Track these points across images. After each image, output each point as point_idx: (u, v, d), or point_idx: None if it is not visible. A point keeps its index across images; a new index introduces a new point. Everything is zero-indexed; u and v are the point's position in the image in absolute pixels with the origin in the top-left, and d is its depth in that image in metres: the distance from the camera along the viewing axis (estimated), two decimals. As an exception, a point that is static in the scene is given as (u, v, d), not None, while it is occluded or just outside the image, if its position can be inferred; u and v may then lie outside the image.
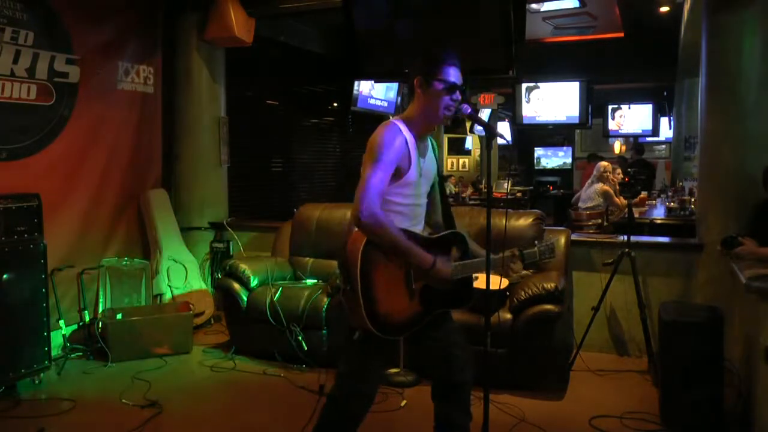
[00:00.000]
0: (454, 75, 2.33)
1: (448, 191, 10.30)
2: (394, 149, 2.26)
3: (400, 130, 2.31)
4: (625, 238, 4.20)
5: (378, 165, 2.22)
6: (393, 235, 2.21)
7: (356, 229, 2.26)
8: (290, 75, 7.35)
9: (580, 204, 7.18)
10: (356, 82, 7.29)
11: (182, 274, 5.25)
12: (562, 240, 4.29)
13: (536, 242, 2.62)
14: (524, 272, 4.13)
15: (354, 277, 2.22)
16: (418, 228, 2.43)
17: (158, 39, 5.46)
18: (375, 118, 7.73)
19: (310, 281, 4.71)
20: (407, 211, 2.37)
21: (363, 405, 2.45)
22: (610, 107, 10.85)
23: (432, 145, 2.50)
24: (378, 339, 2.28)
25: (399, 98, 8.13)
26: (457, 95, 2.34)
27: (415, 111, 2.37)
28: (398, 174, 2.29)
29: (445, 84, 2.31)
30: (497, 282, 3.93)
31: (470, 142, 13.77)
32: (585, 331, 4.20)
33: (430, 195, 2.52)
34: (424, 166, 2.40)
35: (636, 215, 5.94)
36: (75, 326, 4.61)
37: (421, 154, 2.40)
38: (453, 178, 11.65)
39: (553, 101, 8.71)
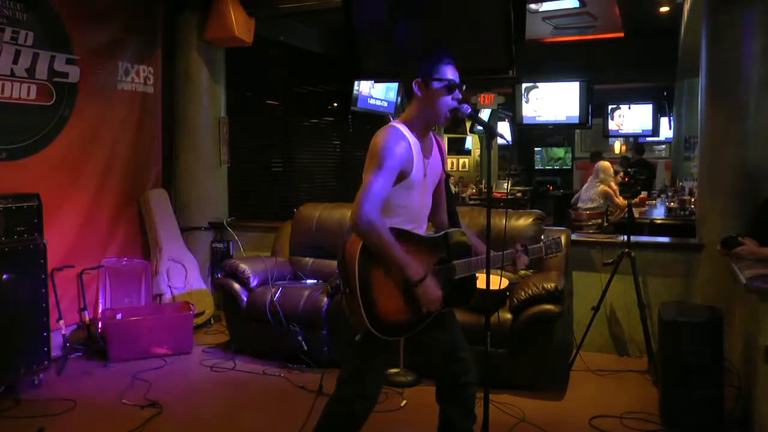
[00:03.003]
0: (451, 74, 2.32)
1: (448, 191, 10.32)
2: (397, 155, 2.24)
3: (403, 134, 2.30)
4: (625, 238, 4.20)
5: (380, 171, 2.21)
6: (388, 245, 2.21)
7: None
8: (290, 75, 7.35)
9: (580, 204, 7.18)
10: (356, 82, 7.28)
11: (182, 274, 5.26)
12: (562, 240, 4.27)
13: (542, 237, 2.63)
14: (524, 272, 4.15)
15: (353, 279, 2.22)
16: (420, 229, 2.42)
17: (158, 39, 5.46)
18: (375, 118, 7.73)
19: (310, 281, 4.71)
20: (411, 213, 2.37)
21: (365, 407, 2.44)
22: (610, 107, 10.85)
23: (437, 142, 2.49)
24: (379, 340, 2.28)
25: (399, 98, 8.13)
26: (458, 94, 2.33)
27: (415, 112, 2.35)
28: (402, 176, 2.29)
29: (444, 83, 2.29)
30: (497, 282, 3.93)
31: (470, 142, 13.78)
32: (585, 331, 4.20)
33: (436, 193, 2.51)
34: (429, 165, 2.40)
35: (636, 215, 5.94)
36: (75, 326, 4.61)
37: (426, 154, 2.39)
38: (453, 177, 11.65)
39: (553, 101, 8.71)
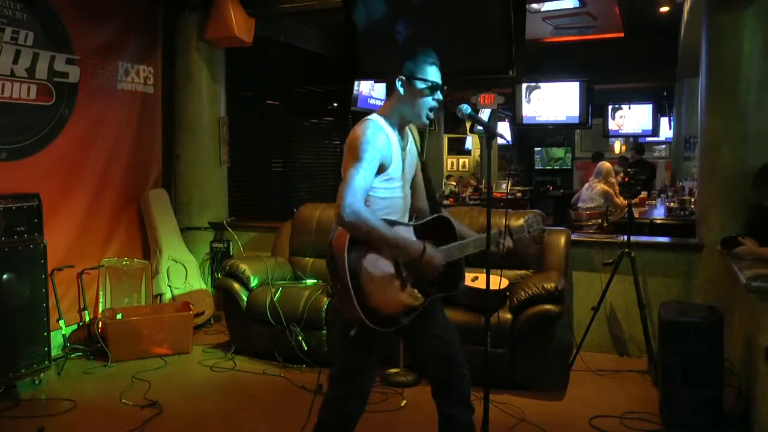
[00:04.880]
0: (433, 74, 2.34)
1: (448, 191, 10.31)
2: (377, 147, 2.25)
3: (381, 127, 2.31)
4: (625, 238, 4.20)
5: (360, 164, 2.21)
6: (378, 229, 2.21)
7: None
8: (290, 75, 7.35)
9: (580, 204, 7.18)
10: (356, 82, 7.28)
11: (182, 274, 5.25)
12: (562, 240, 4.29)
13: (524, 218, 2.66)
14: (524, 272, 4.16)
15: (343, 273, 2.21)
16: (404, 219, 2.43)
17: (158, 39, 5.46)
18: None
19: (310, 281, 4.72)
20: (394, 205, 2.37)
21: (358, 404, 2.45)
22: (610, 107, 10.85)
23: (410, 132, 2.50)
24: (372, 334, 2.27)
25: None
26: (439, 95, 2.35)
27: (394, 107, 2.37)
28: (381, 169, 2.30)
29: (427, 83, 2.31)
30: (497, 282, 3.93)
31: (470, 142, 13.77)
32: (585, 331, 4.20)
33: (413, 181, 2.52)
34: (407, 157, 2.41)
35: (636, 215, 5.94)
36: (75, 326, 4.61)
37: (403, 146, 2.40)
38: (453, 177, 11.65)
39: (553, 101, 8.71)
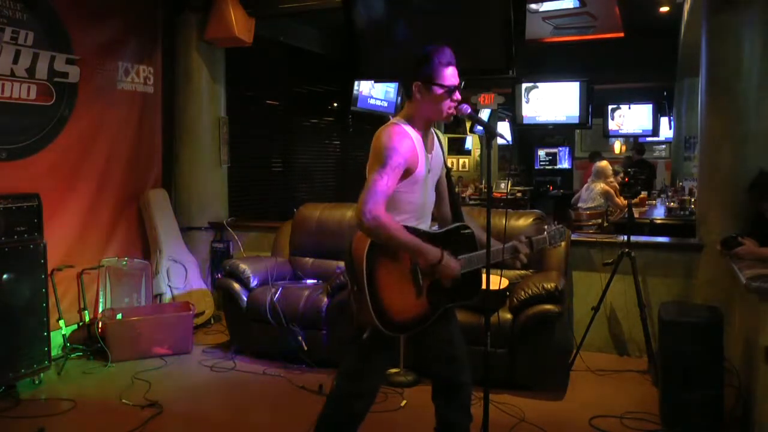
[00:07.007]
0: (451, 76, 2.31)
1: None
2: (402, 153, 2.25)
3: (406, 132, 2.30)
4: (625, 238, 4.20)
5: (385, 169, 2.21)
6: (398, 236, 2.21)
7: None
8: (290, 75, 7.35)
9: (580, 204, 7.18)
10: (356, 82, 7.28)
11: (182, 274, 5.25)
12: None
13: (545, 228, 2.62)
14: (524, 272, 4.15)
15: (360, 277, 2.22)
16: (425, 224, 2.42)
17: (158, 39, 5.46)
18: (375, 118, 7.73)
19: (310, 281, 4.71)
20: (415, 209, 2.37)
21: (365, 404, 2.45)
22: (610, 107, 10.84)
23: (437, 136, 2.50)
24: (385, 337, 2.28)
25: (399, 98, 8.13)
26: (458, 95, 2.33)
27: (415, 112, 2.35)
28: (407, 173, 2.29)
29: (444, 88, 2.30)
30: (497, 282, 3.93)
31: (470, 142, 13.76)
32: (585, 331, 4.20)
33: (438, 188, 2.51)
34: (431, 160, 2.40)
35: (636, 215, 5.94)
36: (75, 326, 4.61)
37: (428, 149, 2.39)
38: (453, 177, 11.64)
39: (553, 101, 8.70)
